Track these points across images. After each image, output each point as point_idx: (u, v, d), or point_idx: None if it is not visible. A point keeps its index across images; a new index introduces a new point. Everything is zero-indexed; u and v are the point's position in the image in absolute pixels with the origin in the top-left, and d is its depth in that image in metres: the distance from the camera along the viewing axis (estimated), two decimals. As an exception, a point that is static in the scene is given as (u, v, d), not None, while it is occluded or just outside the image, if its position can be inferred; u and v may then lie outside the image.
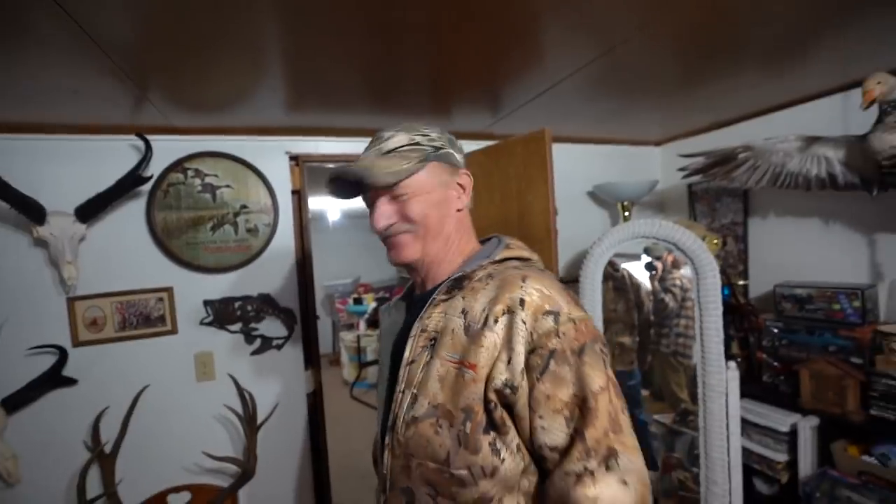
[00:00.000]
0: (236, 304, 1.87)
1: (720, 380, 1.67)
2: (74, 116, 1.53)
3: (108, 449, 1.61)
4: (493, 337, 0.66)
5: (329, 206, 5.12)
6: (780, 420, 1.73)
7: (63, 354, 1.61)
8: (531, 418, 0.65)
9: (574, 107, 1.85)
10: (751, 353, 1.98)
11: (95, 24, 0.98)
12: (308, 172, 2.06)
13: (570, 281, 2.05)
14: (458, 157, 0.82)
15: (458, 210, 0.82)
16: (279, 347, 1.94)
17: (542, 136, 1.65)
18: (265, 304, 1.91)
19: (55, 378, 1.59)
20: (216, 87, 1.42)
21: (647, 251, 2.23)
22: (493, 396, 0.65)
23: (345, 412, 4.25)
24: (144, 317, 1.75)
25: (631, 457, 0.62)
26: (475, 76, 1.49)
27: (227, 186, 1.85)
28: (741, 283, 2.19)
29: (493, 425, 0.66)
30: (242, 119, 1.73)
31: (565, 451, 0.63)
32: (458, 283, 0.74)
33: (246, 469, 1.73)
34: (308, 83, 1.45)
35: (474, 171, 0.88)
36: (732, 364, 1.70)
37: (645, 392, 2.28)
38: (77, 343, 1.65)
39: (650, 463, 1.86)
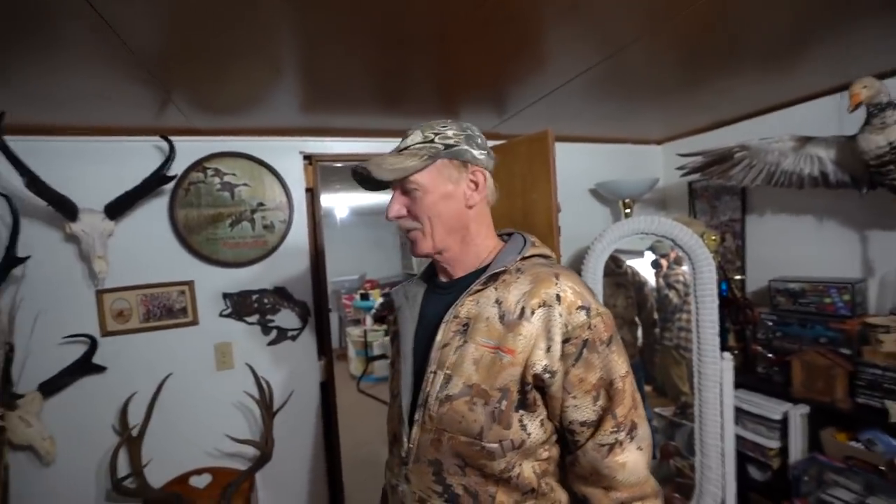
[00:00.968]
0: (253, 297, 1.97)
1: (715, 370, 1.75)
2: (103, 119, 1.62)
3: (134, 433, 1.71)
4: (531, 327, 0.74)
5: (337, 204, 5.19)
6: (773, 409, 1.80)
7: (93, 343, 1.70)
8: (564, 398, 0.75)
9: (578, 108, 1.91)
10: (746, 345, 2.05)
11: (132, 35, 1.07)
12: (320, 171, 2.14)
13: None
14: (476, 153, 0.83)
15: (470, 206, 0.83)
16: (294, 338, 2.04)
17: (545, 136, 1.72)
18: (281, 297, 2.01)
19: (86, 365, 1.69)
20: (236, 92, 1.50)
21: (652, 249, 2.29)
22: (530, 379, 0.74)
23: (352, 405, 4.35)
24: (167, 308, 1.84)
25: (644, 427, 0.77)
26: (482, 81, 1.56)
27: (245, 185, 1.94)
28: (738, 278, 2.26)
29: (523, 404, 0.75)
30: (259, 120, 1.81)
31: (597, 426, 0.75)
32: (495, 277, 0.81)
33: (264, 452, 1.83)
34: (322, 88, 1.53)
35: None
36: (727, 355, 1.77)
37: (648, 388, 2.34)
38: (105, 333, 1.75)
39: (651, 453, 1.90)
